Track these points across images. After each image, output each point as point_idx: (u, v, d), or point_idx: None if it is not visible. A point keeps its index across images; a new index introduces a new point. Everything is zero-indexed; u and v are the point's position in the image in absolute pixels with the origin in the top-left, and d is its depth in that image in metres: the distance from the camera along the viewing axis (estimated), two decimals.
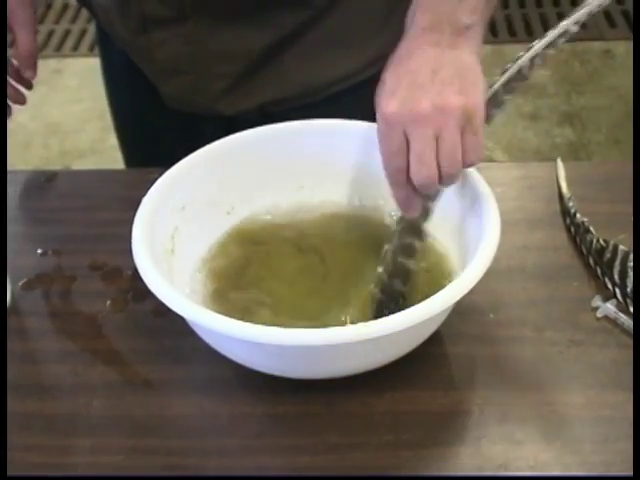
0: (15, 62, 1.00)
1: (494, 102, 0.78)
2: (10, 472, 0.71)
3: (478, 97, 0.74)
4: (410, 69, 0.75)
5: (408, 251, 0.82)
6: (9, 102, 1.01)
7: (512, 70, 0.77)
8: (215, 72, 0.97)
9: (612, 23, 3.03)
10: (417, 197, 0.78)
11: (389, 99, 0.75)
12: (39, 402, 0.78)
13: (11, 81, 1.00)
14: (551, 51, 0.76)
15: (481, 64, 0.76)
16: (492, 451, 0.71)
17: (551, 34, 0.76)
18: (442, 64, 0.75)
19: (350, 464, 0.71)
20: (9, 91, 1.00)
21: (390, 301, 0.81)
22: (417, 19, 0.78)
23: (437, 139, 0.73)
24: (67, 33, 3.21)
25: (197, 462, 0.72)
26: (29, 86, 1.03)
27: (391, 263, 0.82)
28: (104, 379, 0.79)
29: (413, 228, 0.81)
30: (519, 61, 0.77)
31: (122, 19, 0.98)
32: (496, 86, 0.78)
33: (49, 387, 0.80)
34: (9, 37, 0.99)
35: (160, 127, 1.05)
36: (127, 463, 0.72)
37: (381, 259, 0.82)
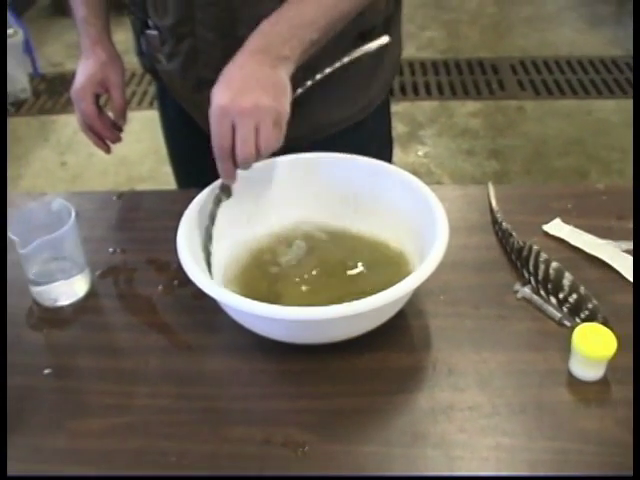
0: (111, 114, 1.04)
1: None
2: (86, 412, 0.70)
3: (285, 104, 0.78)
4: (240, 76, 0.78)
5: (217, 201, 0.83)
6: (109, 142, 1.05)
7: (299, 92, 0.81)
8: None
9: (523, 87, 3.04)
10: (235, 169, 0.79)
11: (223, 95, 0.76)
12: (110, 360, 0.77)
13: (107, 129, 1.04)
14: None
15: (289, 83, 0.79)
16: (441, 396, 0.70)
17: (335, 66, 0.82)
18: (263, 77, 0.77)
19: (338, 407, 0.70)
20: (110, 135, 1.04)
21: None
22: (251, 41, 0.80)
23: (256, 130, 0.75)
24: (134, 93, 3.20)
25: (225, 405, 0.71)
26: (121, 131, 1.06)
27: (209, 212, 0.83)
28: (157, 344, 0.78)
29: (228, 190, 0.83)
30: (310, 83, 0.82)
31: (182, 81, 0.97)
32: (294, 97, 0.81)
33: (118, 349, 0.79)
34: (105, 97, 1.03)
35: (204, 160, 1.03)
36: (174, 405, 0.71)
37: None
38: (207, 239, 0.81)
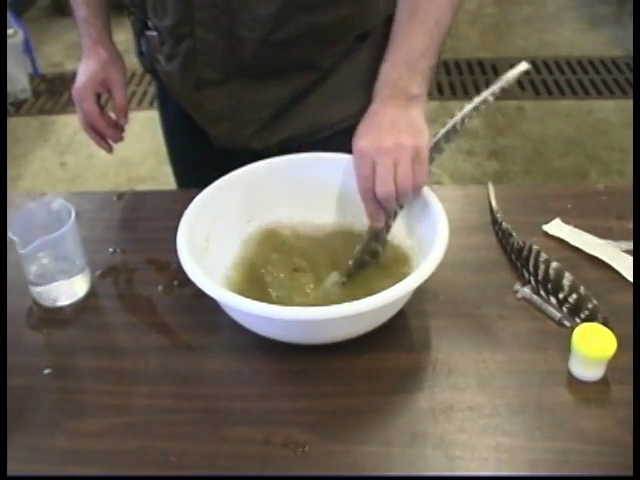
0: (112, 114, 1.04)
1: (436, 148, 0.81)
2: (86, 412, 0.70)
3: (424, 140, 0.79)
4: (376, 121, 0.81)
5: (372, 253, 0.84)
6: (110, 142, 1.06)
7: (449, 125, 0.81)
8: (250, 118, 0.96)
9: (522, 87, 3.03)
10: (381, 211, 0.80)
11: (361, 139, 0.80)
12: (110, 360, 0.77)
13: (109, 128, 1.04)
14: (474, 113, 0.80)
15: (426, 119, 0.81)
16: (441, 396, 0.70)
17: (475, 101, 0.79)
18: (398, 118, 0.79)
19: (338, 407, 0.70)
20: (112, 134, 1.05)
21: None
22: (381, 91, 0.83)
23: (395, 167, 0.77)
24: (134, 93, 3.20)
25: (225, 405, 0.71)
26: (123, 130, 1.07)
27: (359, 259, 0.83)
28: (157, 344, 0.78)
29: (377, 237, 0.83)
30: (454, 119, 0.80)
31: (181, 82, 0.96)
32: (437, 136, 0.81)
33: (117, 349, 0.79)
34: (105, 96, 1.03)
35: (204, 159, 1.04)
36: (174, 405, 0.71)
37: (353, 256, 0.83)
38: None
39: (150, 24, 0.95)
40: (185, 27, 0.89)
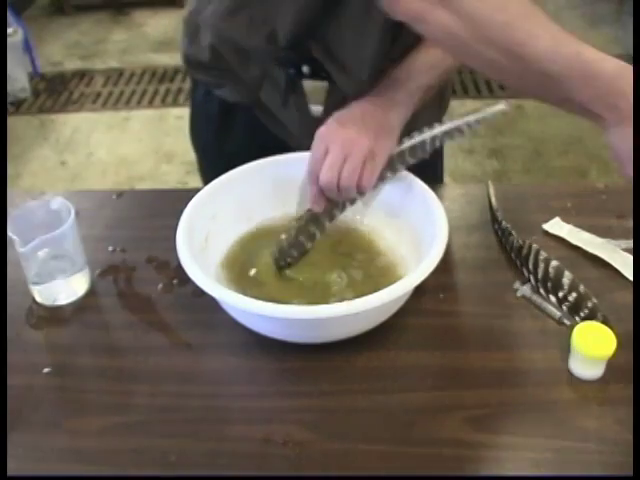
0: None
1: (390, 166, 0.81)
2: (85, 411, 0.71)
3: (386, 145, 0.79)
4: (349, 111, 0.81)
5: (309, 236, 0.84)
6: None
7: (416, 140, 0.81)
8: None
9: None
10: (322, 197, 0.80)
11: (328, 124, 0.80)
12: (110, 358, 0.77)
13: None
14: (445, 138, 0.80)
15: (398, 128, 0.81)
16: (441, 395, 0.70)
17: (449, 125, 0.79)
18: (370, 116, 0.79)
19: (338, 405, 0.70)
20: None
21: (285, 259, 0.83)
22: (376, 88, 0.83)
23: (345, 160, 0.76)
24: (133, 92, 3.20)
25: (225, 403, 0.71)
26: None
27: (294, 237, 0.83)
28: (157, 342, 0.78)
29: (317, 221, 0.83)
30: (422, 135, 0.80)
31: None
32: (402, 147, 0.81)
33: (117, 348, 0.79)
34: None
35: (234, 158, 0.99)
36: (173, 404, 0.71)
37: (285, 230, 0.84)
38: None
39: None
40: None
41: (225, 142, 1.04)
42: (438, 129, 0.80)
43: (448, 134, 0.80)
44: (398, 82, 0.81)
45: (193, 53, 0.98)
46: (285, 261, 0.83)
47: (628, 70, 0.64)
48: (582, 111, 0.66)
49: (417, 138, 0.81)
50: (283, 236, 0.83)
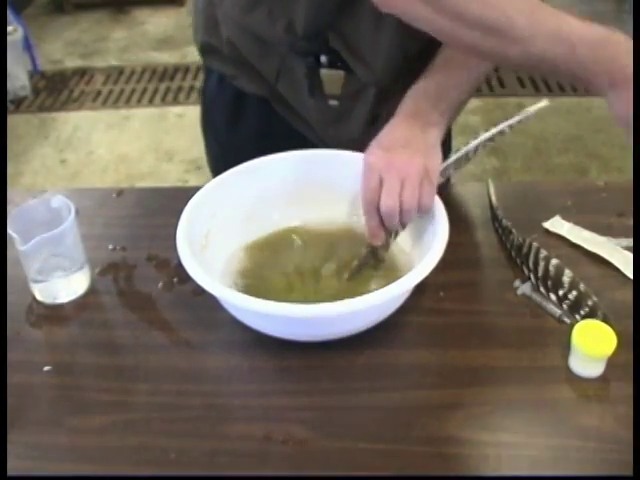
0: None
1: (444, 174, 0.81)
2: (86, 409, 0.70)
3: (435, 163, 0.78)
4: (391, 137, 0.79)
5: (369, 268, 0.83)
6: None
7: (461, 152, 0.81)
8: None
9: (522, 85, 3.03)
10: (382, 228, 0.78)
11: (373, 152, 0.78)
12: (110, 357, 0.77)
13: None
14: (489, 143, 0.80)
15: (439, 145, 0.80)
16: (441, 393, 0.70)
17: (492, 131, 0.80)
18: (413, 138, 0.78)
19: (338, 404, 0.70)
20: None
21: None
22: (404, 107, 0.82)
23: (402, 184, 0.75)
24: (133, 90, 3.20)
25: (225, 402, 0.71)
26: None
27: (356, 271, 0.82)
28: (157, 341, 0.78)
29: (375, 254, 0.82)
30: (467, 147, 0.81)
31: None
32: (448, 162, 0.81)
33: (117, 346, 0.79)
34: None
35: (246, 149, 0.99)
36: (174, 402, 0.71)
37: (351, 269, 0.82)
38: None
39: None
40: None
41: (237, 132, 1.04)
42: (482, 136, 0.80)
43: (492, 139, 0.80)
44: (429, 103, 0.81)
45: (210, 43, 0.98)
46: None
47: (612, 35, 0.67)
48: (571, 78, 0.70)
49: (463, 150, 0.81)
50: (345, 275, 0.82)
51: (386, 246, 0.81)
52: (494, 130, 0.79)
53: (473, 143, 0.80)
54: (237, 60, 0.96)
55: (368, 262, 0.82)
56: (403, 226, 0.79)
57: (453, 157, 0.81)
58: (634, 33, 0.68)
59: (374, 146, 0.79)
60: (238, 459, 0.65)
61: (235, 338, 0.77)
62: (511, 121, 0.79)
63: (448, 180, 0.86)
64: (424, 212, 0.77)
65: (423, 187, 0.75)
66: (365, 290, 0.67)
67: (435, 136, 0.80)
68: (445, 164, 0.80)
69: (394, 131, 0.80)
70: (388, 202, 0.75)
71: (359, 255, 0.82)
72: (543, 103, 0.79)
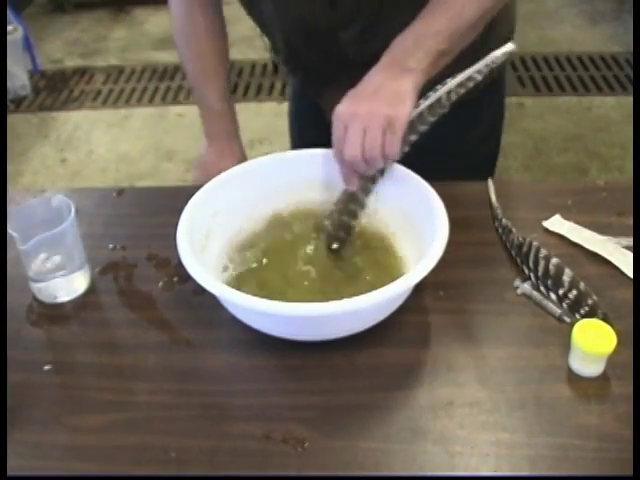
0: None
1: (413, 129, 0.81)
2: (86, 408, 0.70)
3: (402, 111, 0.77)
4: (362, 86, 0.81)
5: (351, 214, 0.86)
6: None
7: (432, 98, 0.81)
8: None
9: (523, 84, 3.03)
10: (353, 174, 0.81)
11: (342, 102, 0.80)
12: (110, 356, 0.77)
13: None
14: (461, 90, 0.80)
15: (413, 93, 0.79)
16: (441, 392, 0.70)
17: (461, 76, 0.80)
18: (383, 87, 0.79)
19: (338, 403, 0.70)
20: None
21: (335, 242, 0.86)
22: (383, 58, 0.82)
23: (364, 133, 0.77)
24: (133, 90, 3.20)
25: (225, 401, 0.71)
26: None
27: (337, 220, 0.85)
28: (157, 340, 0.78)
29: (355, 199, 0.85)
30: (437, 92, 0.81)
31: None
32: (420, 108, 0.81)
33: (117, 345, 0.79)
34: None
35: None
36: (174, 401, 0.71)
37: (327, 216, 0.85)
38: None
39: None
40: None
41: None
42: (450, 83, 0.80)
43: (462, 85, 0.80)
44: (406, 51, 0.81)
45: (272, 47, 1.07)
46: (335, 244, 0.85)
47: None
48: None
49: (432, 97, 0.81)
50: (326, 222, 0.85)
51: (365, 191, 0.85)
52: (462, 76, 0.80)
53: (441, 90, 0.80)
54: (292, 62, 1.04)
55: (349, 208, 0.85)
56: (380, 172, 0.82)
57: (425, 104, 0.81)
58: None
59: (345, 97, 0.81)
60: (238, 458, 0.65)
61: (235, 337, 0.77)
62: (478, 66, 0.79)
63: (431, 127, 0.84)
64: (389, 161, 0.80)
65: (386, 137, 0.77)
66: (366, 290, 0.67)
67: (409, 83, 0.80)
68: (418, 110, 0.81)
69: (366, 82, 0.81)
70: (350, 151, 0.78)
71: (337, 203, 0.85)
72: (509, 47, 0.79)
